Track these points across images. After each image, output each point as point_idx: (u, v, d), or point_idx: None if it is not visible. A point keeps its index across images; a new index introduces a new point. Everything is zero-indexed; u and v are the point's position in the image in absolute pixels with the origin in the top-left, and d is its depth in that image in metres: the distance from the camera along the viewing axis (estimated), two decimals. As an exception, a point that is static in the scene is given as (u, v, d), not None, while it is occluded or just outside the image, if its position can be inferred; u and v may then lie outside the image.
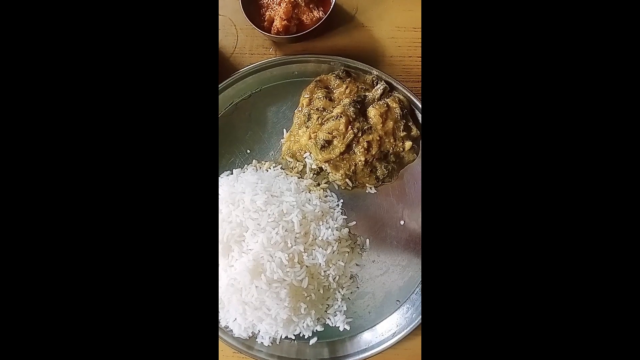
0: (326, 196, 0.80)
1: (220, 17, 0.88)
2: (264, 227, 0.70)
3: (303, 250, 0.70)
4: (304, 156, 0.82)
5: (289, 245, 0.69)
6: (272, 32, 0.81)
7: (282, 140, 0.85)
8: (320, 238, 0.71)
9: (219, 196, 0.78)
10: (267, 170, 0.83)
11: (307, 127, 0.82)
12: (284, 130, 0.85)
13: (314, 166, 0.82)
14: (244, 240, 0.72)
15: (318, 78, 0.85)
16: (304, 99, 0.84)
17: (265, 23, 0.82)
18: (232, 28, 0.89)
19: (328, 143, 0.79)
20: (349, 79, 0.82)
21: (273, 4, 0.81)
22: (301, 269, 0.69)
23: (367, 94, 0.81)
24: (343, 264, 0.73)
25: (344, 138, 0.78)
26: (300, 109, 0.84)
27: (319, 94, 0.82)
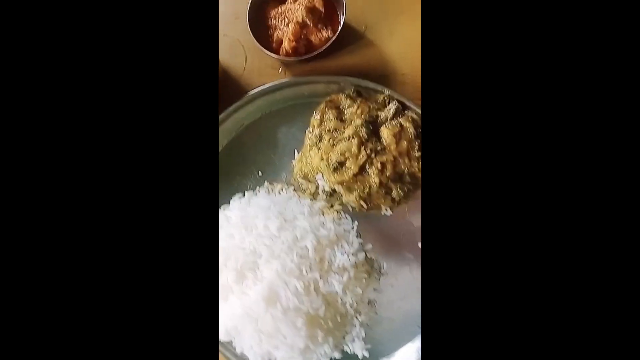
0: (340, 218, 0.79)
1: (228, 38, 0.88)
2: (278, 254, 0.68)
3: (319, 278, 0.68)
4: (317, 177, 0.81)
5: (304, 272, 0.67)
6: (280, 54, 0.80)
7: (293, 161, 0.83)
8: (336, 264, 0.69)
9: (232, 220, 0.76)
10: (280, 193, 0.81)
11: (318, 148, 0.80)
12: (295, 151, 0.83)
13: (326, 188, 0.80)
14: (257, 268, 0.70)
15: (329, 98, 0.83)
16: (314, 120, 0.82)
17: (274, 44, 0.81)
18: (241, 49, 0.88)
19: (341, 164, 0.77)
20: (360, 99, 0.81)
21: (281, 25, 0.80)
22: (317, 296, 0.68)
23: (379, 113, 0.79)
24: (360, 291, 0.71)
25: (357, 159, 0.76)
26: (311, 129, 0.83)
27: (330, 115, 0.81)
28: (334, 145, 0.79)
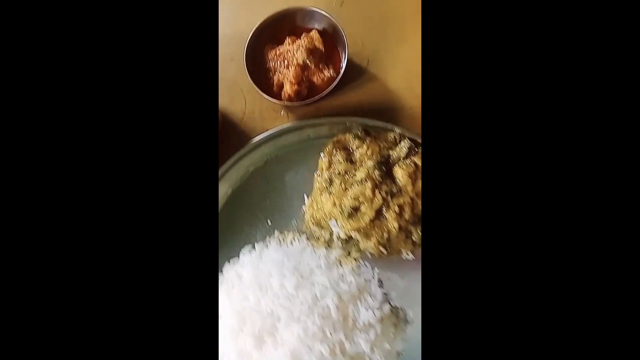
0: (359, 267, 0.75)
1: (224, 81, 0.84)
2: (298, 317, 0.63)
3: (344, 339, 0.63)
4: (330, 224, 0.76)
5: (328, 334, 0.63)
6: (282, 98, 0.76)
7: (304, 207, 0.79)
8: (360, 321, 0.65)
9: (244, 279, 0.72)
10: (292, 243, 0.77)
11: (330, 193, 0.76)
12: (305, 196, 0.79)
13: (342, 235, 0.76)
14: (277, 331, 0.66)
15: (335, 139, 0.79)
16: (322, 163, 0.79)
17: (275, 87, 0.77)
18: (239, 92, 0.84)
19: (355, 210, 0.73)
20: (369, 138, 0.77)
21: (280, 67, 0.77)
22: (344, 359, 0.63)
23: (390, 152, 0.76)
24: (389, 346, 0.66)
25: (372, 204, 0.72)
26: (319, 173, 0.79)
27: (339, 157, 0.77)
28: (346, 189, 0.75)
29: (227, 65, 0.85)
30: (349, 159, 0.78)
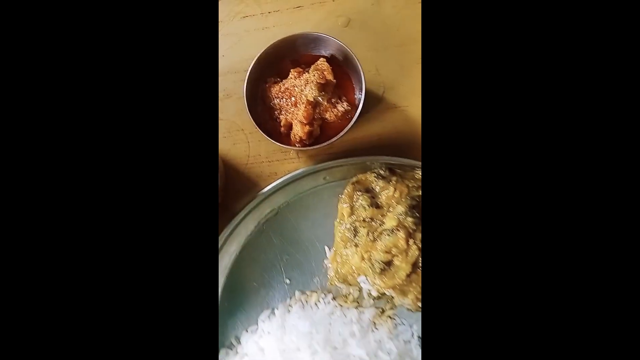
0: (396, 326, 0.66)
1: (222, 122, 0.74)
2: (337, 403, 0.55)
3: None
4: (359, 280, 0.67)
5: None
6: (292, 140, 0.66)
7: (325, 261, 0.70)
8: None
9: (267, 353, 0.62)
10: (317, 305, 0.68)
11: (355, 245, 0.67)
12: (326, 248, 0.70)
13: (373, 292, 0.67)
14: (313, 419, 0.57)
15: (355, 180, 0.70)
16: (343, 209, 0.69)
17: (282, 128, 0.67)
18: (240, 133, 0.74)
19: (388, 264, 0.64)
20: (394, 178, 0.67)
21: (287, 105, 0.67)
22: None
23: (421, 193, 0.67)
24: None
25: (407, 256, 0.63)
26: (340, 220, 0.70)
27: (362, 201, 0.67)
28: (374, 239, 0.66)
29: (224, 104, 0.75)
30: (374, 203, 0.68)
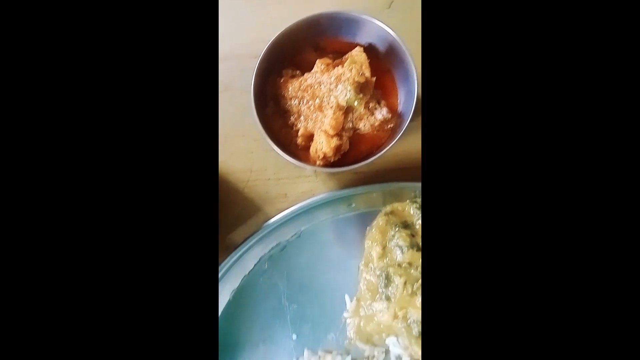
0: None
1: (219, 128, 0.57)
2: None
3: None
4: (388, 342, 0.52)
5: None
6: (313, 157, 0.49)
7: (345, 314, 0.54)
8: None
9: None
10: (331, 371, 0.52)
11: (387, 298, 0.51)
12: (347, 297, 0.54)
13: (405, 357, 0.52)
14: None
15: (389, 210, 0.54)
16: (372, 248, 0.53)
17: (300, 139, 0.51)
18: (241, 140, 0.57)
19: (431, 329, 0.49)
20: (444, 212, 0.52)
21: (308, 108, 0.50)
22: None
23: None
24: None
25: (458, 321, 0.48)
26: (368, 264, 0.54)
27: (399, 239, 0.52)
28: (413, 292, 0.51)
29: (219, 100, 0.58)
30: (414, 243, 0.53)
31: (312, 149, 0.49)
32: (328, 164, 0.49)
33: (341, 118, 0.47)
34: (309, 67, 0.51)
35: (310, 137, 0.50)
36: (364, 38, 0.53)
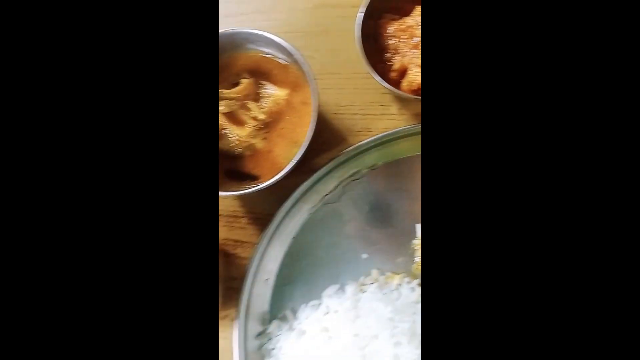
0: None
1: (315, 60, 0.60)
2: None
3: None
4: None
5: None
6: (405, 90, 0.54)
7: (414, 241, 0.59)
8: None
9: (329, 331, 0.52)
10: (397, 289, 0.57)
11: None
12: (416, 226, 0.59)
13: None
14: None
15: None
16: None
17: (394, 73, 0.56)
18: (334, 77, 0.62)
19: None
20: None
21: (404, 45, 0.56)
22: None
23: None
24: None
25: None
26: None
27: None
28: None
29: (319, 39, 0.63)
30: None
31: (405, 81, 0.55)
32: (419, 95, 0.54)
33: (436, 55, 0.52)
34: (406, 12, 0.57)
35: (403, 72, 0.55)
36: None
